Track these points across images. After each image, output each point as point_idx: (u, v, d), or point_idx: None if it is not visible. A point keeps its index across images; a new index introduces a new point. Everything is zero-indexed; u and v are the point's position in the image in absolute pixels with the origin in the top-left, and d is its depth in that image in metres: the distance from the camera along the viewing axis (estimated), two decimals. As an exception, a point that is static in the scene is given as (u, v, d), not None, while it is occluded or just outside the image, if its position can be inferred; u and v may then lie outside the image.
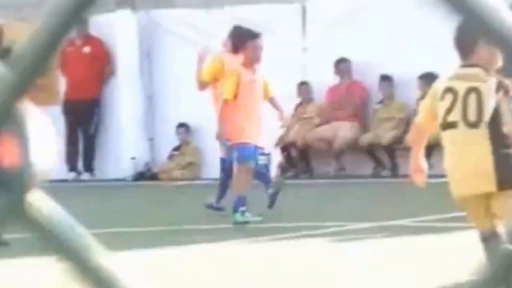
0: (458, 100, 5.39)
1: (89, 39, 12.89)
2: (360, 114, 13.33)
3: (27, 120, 0.69)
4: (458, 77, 5.49)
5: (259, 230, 8.84)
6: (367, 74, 12.95)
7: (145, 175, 12.90)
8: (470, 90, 5.41)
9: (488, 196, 5.34)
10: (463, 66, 5.49)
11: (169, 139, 12.95)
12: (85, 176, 12.82)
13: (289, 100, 13.34)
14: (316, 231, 8.75)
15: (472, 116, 5.39)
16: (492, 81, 5.44)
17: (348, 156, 13.24)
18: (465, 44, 5.38)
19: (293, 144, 13.41)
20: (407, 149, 6.45)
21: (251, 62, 9.43)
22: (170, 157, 12.86)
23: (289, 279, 6.79)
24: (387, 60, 12.52)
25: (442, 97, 5.43)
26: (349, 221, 9.04)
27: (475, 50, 5.35)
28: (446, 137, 5.49)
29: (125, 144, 12.91)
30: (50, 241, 0.72)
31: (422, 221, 8.96)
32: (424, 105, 5.65)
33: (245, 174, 9.31)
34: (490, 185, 5.30)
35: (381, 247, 7.89)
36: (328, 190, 12.00)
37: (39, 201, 0.70)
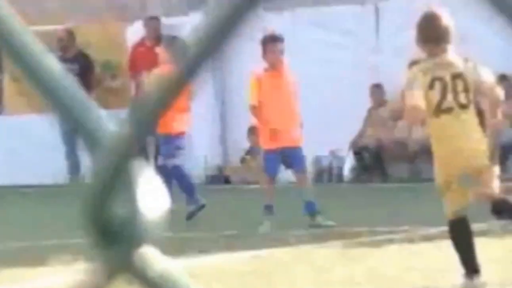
0: (448, 87, 5.93)
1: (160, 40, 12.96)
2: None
3: (140, 176, 0.61)
4: (439, 66, 6.06)
5: (334, 235, 8.76)
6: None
7: (217, 178, 12.93)
8: (455, 76, 5.99)
9: (479, 171, 6.02)
10: (436, 55, 6.10)
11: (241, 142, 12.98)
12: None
13: (362, 102, 13.21)
14: (392, 235, 8.63)
15: (463, 99, 5.99)
16: (468, 63, 6.11)
17: (423, 158, 13.06)
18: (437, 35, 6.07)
19: (366, 147, 13.28)
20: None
21: (271, 65, 9.49)
22: (242, 160, 12.85)
23: (381, 282, 6.75)
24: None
25: (431, 86, 5.92)
26: (425, 225, 8.90)
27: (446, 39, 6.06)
28: (441, 123, 6.03)
29: (197, 147, 12.99)
30: None
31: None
32: (417, 93, 6.03)
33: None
34: (485, 160, 6.01)
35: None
36: (402, 194, 11.87)
37: (151, 257, 0.66)
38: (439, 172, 6.26)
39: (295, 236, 8.63)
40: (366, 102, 13.36)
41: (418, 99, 6.07)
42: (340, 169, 13.36)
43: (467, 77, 6.09)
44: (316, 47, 13.44)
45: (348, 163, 13.29)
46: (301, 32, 13.15)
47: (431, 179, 12.85)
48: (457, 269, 6.44)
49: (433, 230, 8.59)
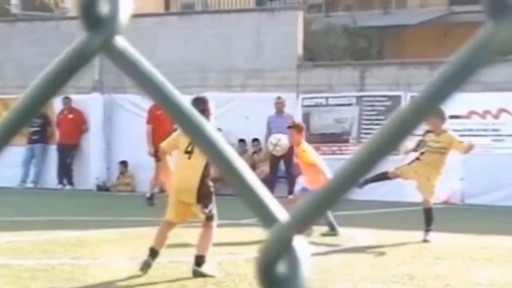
0: None
1: (72, 109, 21.84)
2: None
3: (297, 246, 0.83)
4: None
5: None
6: None
7: (103, 188, 21.81)
8: None
9: None
10: None
11: (116, 168, 21.85)
12: (68, 187, 21.70)
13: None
14: None
15: None
16: None
17: None
18: None
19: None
20: None
21: None
22: (117, 178, 21.77)
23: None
24: None
25: None
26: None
27: None
28: None
29: (91, 170, 21.84)
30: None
31: None
32: None
33: None
34: None
35: None
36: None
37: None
38: None
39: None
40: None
41: None
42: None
43: None
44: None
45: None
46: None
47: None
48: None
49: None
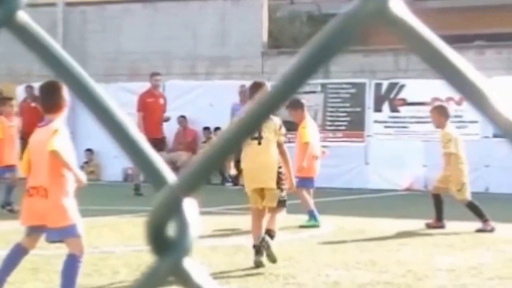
0: None
1: (35, 98, 21.53)
2: None
3: (188, 207, 0.84)
4: None
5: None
6: None
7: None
8: None
9: None
10: None
11: (82, 157, 21.74)
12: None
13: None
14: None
15: None
16: None
17: None
18: None
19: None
20: None
21: None
22: (81, 167, 21.69)
23: None
24: None
25: None
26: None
27: None
28: None
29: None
30: None
31: None
32: None
33: None
34: None
35: None
36: None
37: (194, 265, 0.85)
38: None
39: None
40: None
41: None
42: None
43: None
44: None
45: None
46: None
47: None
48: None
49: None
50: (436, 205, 11.62)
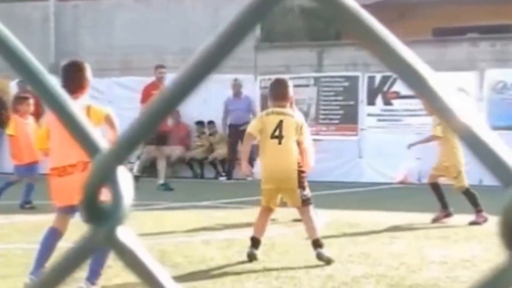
0: None
1: (28, 93, 21.55)
2: None
3: (121, 175, 0.82)
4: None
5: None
6: None
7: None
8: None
9: None
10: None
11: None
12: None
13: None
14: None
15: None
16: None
17: None
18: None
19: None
20: None
21: None
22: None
23: None
24: None
25: None
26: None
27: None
28: None
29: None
30: (138, 269, 0.83)
31: None
32: None
33: None
34: None
35: None
36: None
37: (128, 233, 0.85)
38: None
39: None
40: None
41: None
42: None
43: None
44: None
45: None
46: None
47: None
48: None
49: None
50: (437, 195, 11.51)
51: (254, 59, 20.37)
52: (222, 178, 19.95)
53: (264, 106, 16.04)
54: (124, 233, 0.85)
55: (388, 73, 19.21)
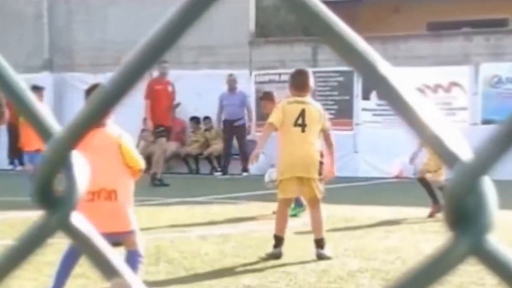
0: None
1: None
2: None
3: (75, 161, 0.82)
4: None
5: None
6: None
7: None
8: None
9: None
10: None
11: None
12: (19, 167, 21.49)
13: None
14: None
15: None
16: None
17: None
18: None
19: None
20: None
21: None
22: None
23: None
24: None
25: None
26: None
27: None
28: None
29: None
30: (92, 254, 0.84)
31: None
32: None
33: None
34: None
35: None
36: None
37: (83, 222, 0.85)
38: None
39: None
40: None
41: None
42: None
43: None
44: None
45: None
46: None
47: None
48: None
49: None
50: (427, 189, 11.54)
51: (249, 54, 20.34)
52: (218, 174, 19.93)
53: (258, 102, 16.05)
54: (78, 219, 0.85)
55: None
